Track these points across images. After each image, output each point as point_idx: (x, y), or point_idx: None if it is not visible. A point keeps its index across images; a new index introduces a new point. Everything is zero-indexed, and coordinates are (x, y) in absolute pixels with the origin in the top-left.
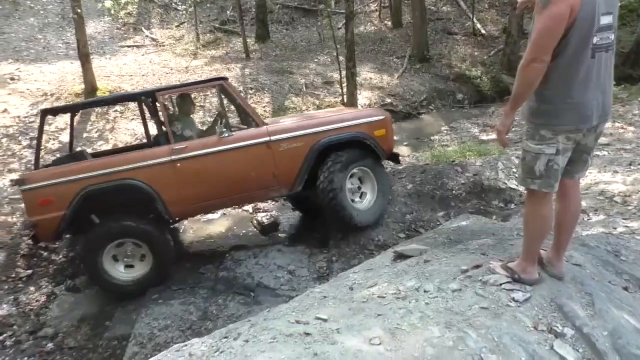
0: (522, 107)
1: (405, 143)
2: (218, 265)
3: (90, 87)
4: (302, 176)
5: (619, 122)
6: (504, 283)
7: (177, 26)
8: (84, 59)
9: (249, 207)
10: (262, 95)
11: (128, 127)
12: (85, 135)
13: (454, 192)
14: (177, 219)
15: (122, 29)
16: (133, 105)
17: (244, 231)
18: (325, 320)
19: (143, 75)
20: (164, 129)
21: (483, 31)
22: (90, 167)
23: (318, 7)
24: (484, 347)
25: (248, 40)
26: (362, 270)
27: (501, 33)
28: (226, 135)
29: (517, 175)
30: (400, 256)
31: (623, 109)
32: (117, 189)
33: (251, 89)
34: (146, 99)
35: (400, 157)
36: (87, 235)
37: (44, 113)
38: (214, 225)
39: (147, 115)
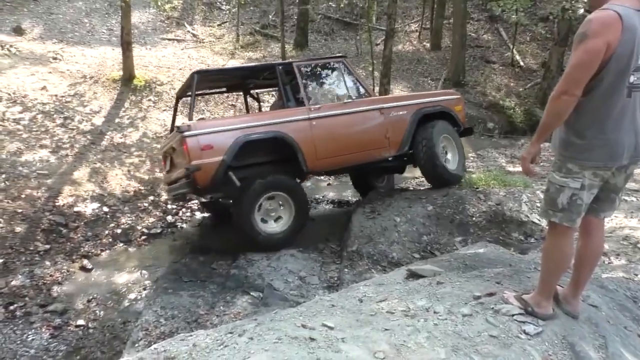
0: (553, 139)
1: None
2: (231, 263)
3: (129, 74)
4: (406, 139)
5: None
6: (516, 314)
7: (218, 25)
8: (126, 46)
9: None
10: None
11: (159, 117)
12: (117, 120)
13: (474, 218)
14: (310, 173)
15: (166, 22)
16: (166, 97)
17: None
18: (331, 328)
19: (180, 69)
20: (288, 95)
21: (522, 63)
22: (246, 120)
23: (359, 21)
24: None
25: (286, 46)
26: (373, 284)
27: (540, 67)
28: (349, 100)
29: (539, 207)
30: (414, 275)
31: None
32: (268, 140)
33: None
34: (283, 68)
35: (471, 129)
36: (242, 192)
37: (178, 97)
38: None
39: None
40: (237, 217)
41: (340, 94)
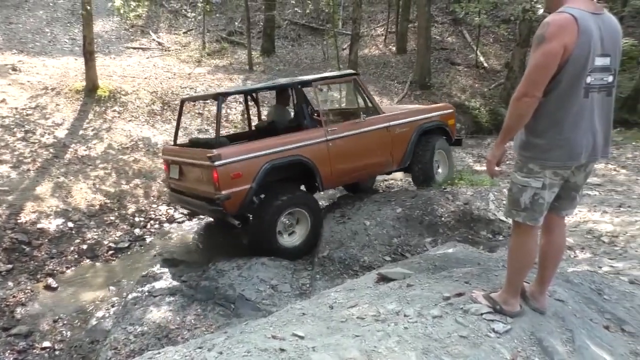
0: (513, 140)
1: None
2: (201, 274)
3: (92, 84)
4: (408, 155)
5: (612, 164)
6: (485, 313)
7: (184, 32)
8: (89, 56)
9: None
10: (262, 109)
11: (125, 128)
12: (81, 132)
13: (443, 219)
14: (323, 190)
15: (130, 30)
16: (132, 106)
17: (230, 242)
18: (302, 338)
19: (145, 78)
20: (305, 114)
21: (485, 64)
22: (270, 145)
23: (325, 27)
24: None
25: (253, 53)
26: (344, 290)
27: (503, 67)
28: (362, 119)
29: (504, 207)
30: (384, 279)
31: (617, 152)
32: (290, 164)
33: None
34: (300, 87)
35: (460, 140)
36: (264, 210)
37: (183, 102)
38: (201, 234)
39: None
40: (257, 233)
41: (353, 112)
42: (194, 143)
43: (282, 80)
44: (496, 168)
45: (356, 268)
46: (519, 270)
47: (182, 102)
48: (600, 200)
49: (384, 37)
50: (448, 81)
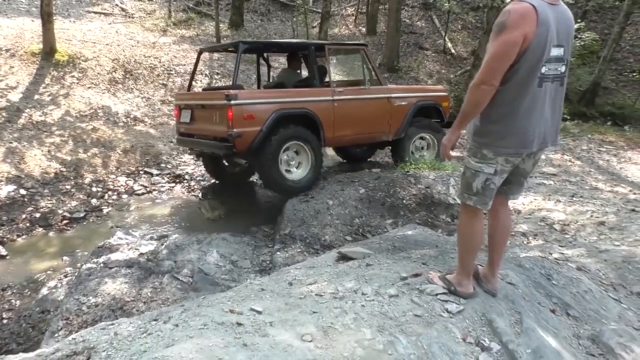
0: (468, 126)
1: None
2: (159, 247)
3: (50, 48)
4: (404, 127)
5: (567, 155)
6: (440, 294)
7: (149, 0)
8: (46, 17)
9: (198, 193)
10: (227, 82)
11: (84, 95)
12: (36, 97)
13: (404, 201)
14: (324, 146)
15: None
16: (92, 73)
17: (191, 216)
18: (259, 313)
19: (107, 45)
20: (315, 74)
21: (453, 50)
22: (282, 95)
23: (295, 3)
24: (413, 354)
25: (221, 25)
26: (304, 267)
27: (470, 54)
28: (366, 87)
29: (457, 190)
30: (344, 257)
31: (573, 144)
32: (298, 115)
33: (217, 74)
34: (315, 49)
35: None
36: (265, 146)
37: (200, 52)
38: (161, 206)
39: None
40: (263, 169)
41: (358, 80)
42: (209, 90)
43: (297, 41)
44: (450, 152)
45: (317, 246)
46: (469, 251)
47: (201, 51)
48: (555, 189)
49: (354, 17)
50: (416, 65)
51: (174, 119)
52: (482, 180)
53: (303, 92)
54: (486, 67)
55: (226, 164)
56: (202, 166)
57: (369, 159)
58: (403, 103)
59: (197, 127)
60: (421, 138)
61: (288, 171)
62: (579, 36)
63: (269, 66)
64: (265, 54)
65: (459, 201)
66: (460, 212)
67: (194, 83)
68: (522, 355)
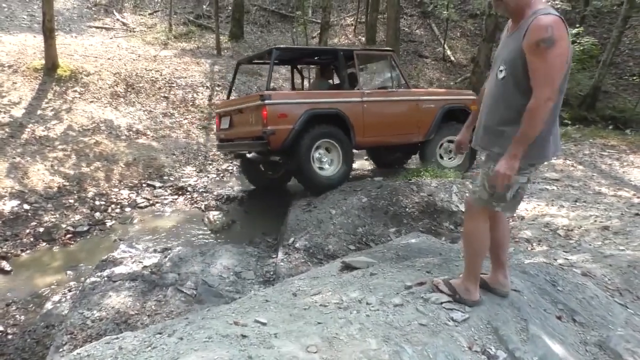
0: (488, 136)
1: (365, 157)
2: (163, 260)
3: (52, 63)
4: (432, 129)
5: (570, 160)
6: (444, 302)
7: (150, 14)
8: (48, 33)
9: (201, 205)
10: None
11: (86, 109)
12: (39, 112)
13: (407, 209)
14: (355, 148)
15: (93, 9)
16: (94, 87)
17: (194, 228)
18: (264, 324)
19: (108, 59)
20: (345, 78)
21: (452, 58)
22: (313, 96)
23: (295, 14)
24: None
25: (221, 38)
26: (307, 278)
27: (469, 62)
28: (394, 89)
29: (477, 197)
30: (348, 267)
31: (575, 148)
32: (328, 115)
33: (218, 85)
34: (344, 54)
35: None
36: (298, 144)
37: (238, 64)
38: (164, 219)
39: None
40: (296, 167)
41: (386, 82)
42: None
43: (327, 47)
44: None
45: (321, 256)
46: (478, 254)
47: (238, 63)
48: (558, 195)
49: (353, 27)
50: (416, 73)
51: (214, 127)
52: (515, 190)
53: (333, 94)
54: (550, 84)
55: (263, 168)
56: (242, 171)
57: (403, 165)
58: (431, 105)
59: (236, 131)
60: (450, 141)
61: (321, 168)
62: (577, 41)
63: (302, 76)
64: (298, 65)
65: (461, 209)
66: (466, 216)
67: (196, 95)
68: None
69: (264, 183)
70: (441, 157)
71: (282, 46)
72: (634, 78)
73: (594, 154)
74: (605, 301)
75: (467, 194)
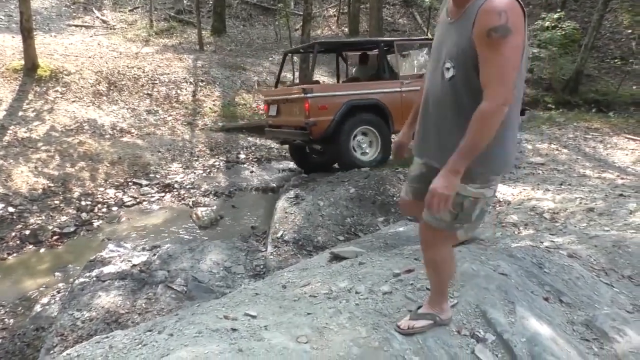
0: (441, 153)
1: None
2: (152, 258)
3: (31, 63)
4: None
5: (554, 144)
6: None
7: (130, 10)
8: (27, 33)
9: (189, 201)
10: (212, 89)
11: (68, 109)
12: (20, 113)
13: (395, 198)
14: (394, 134)
15: (72, 7)
16: (75, 87)
17: (182, 224)
18: (254, 317)
19: (89, 57)
20: (385, 67)
21: None
22: (353, 87)
23: (277, 6)
24: (408, 349)
25: (203, 33)
26: (297, 270)
27: None
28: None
29: (438, 219)
30: (336, 257)
31: (559, 132)
32: (368, 105)
33: (202, 81)
34: (384, 45)
35: None
36: (339, 131)
37: (285, 54)
38: (152, 216)
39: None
40: (337, 153)
41: (423, 70)
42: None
43: (368, 39)
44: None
45: (310, 248)
46: (449, 275)
47: (285, 54)
48: (543, 178)
49: (336, 17)
50: None
51: (263, 112)
52: (482, 206)
53: (372, 85)
54: (504, 83)
55: (311, 154)
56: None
57: None
58: None
59: (282, 119)
60: None
61: (362, 153)
62: (559, 25)
63: (347, 63)
64: (343, 53)
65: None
66: (427, 244)
67: (179, 92)
68: (517, 344)
69: (311, 167)
70: None
71: (324, 40)
72: (616, 61)
73: (578, 137)
74: (591, 281)
75: (421, 220)
